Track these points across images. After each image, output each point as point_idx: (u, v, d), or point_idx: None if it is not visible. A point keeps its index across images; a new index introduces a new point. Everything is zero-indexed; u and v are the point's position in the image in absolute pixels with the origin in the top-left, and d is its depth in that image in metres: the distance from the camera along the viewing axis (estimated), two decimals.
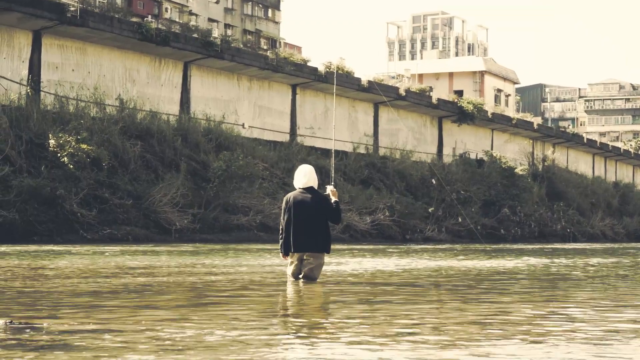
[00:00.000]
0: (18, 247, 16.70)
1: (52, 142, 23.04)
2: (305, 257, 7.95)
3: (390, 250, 20.20)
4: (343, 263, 12.66)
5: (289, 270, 8.12)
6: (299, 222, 7.88)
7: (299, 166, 8.40)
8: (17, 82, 24.97)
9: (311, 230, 7.88)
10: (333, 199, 8.04)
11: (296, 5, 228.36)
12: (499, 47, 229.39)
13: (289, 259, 8.07)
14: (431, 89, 45.49)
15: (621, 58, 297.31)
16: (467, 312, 5.87)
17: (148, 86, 29.25)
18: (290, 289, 7.60)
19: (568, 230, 43.47)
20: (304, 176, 8.04)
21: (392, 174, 35.48)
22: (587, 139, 57.63)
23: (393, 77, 50.69)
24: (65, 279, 8.45)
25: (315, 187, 8.07)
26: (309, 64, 34.48)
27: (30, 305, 5.96)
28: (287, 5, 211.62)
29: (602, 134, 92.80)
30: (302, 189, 8.02)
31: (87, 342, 4.13)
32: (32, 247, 16.99)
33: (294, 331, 4.80)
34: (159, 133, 26.85)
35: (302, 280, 7.97)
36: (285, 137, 33.85)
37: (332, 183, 8.19)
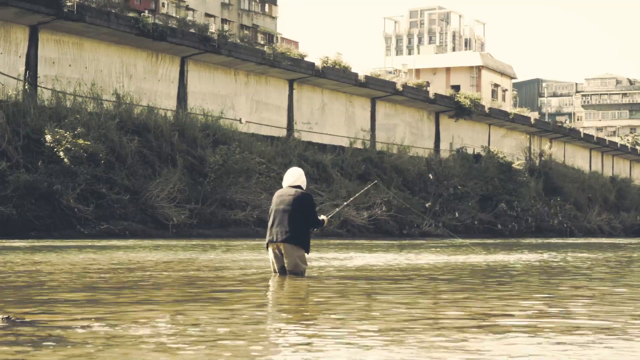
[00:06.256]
0: (15, 243, 16.65)
1: (48, 137, 23.01)
2: (282, 251, 8.00)
3: (386, 245, 20.23)
4: (340, 258, 12.65)
5: (272, 266, 8.23)
6: (276, 214, 8.00)
7: (289, 168, 8.58)
8: (14, 78, 24.92)
9: (286, 222, 7.91)
10: (323, 217, 8.25)
11: (293, 0, 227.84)
12: (496, 42, 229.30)
13: (270, 254, 8.16)
14: (428, 84, 45.49)
15: (618, 53, 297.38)
16: (465, 306, 5.86)
17: (145, 81, 29.20)
18: (282, 283, 7.60)
19: (565, 225, 43.54)
20: (292, 176, 8.21)
21: (389, 169, 35.49)
22: (584, 134, 57.65)
23: (390, 72, 50.66)
24: (61, 274, 8.44)
25: (304, 188, 8.20)
26: (306, 59, 34.44)
27: (27, 300, 5.96)
28: (284, 0, 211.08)
29: (599, 129, 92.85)
30: (289, 186, 8.17)
31: (83, 338, 4.12)
32: (29, 243, 16.94)
33: (288, 326, 4.80)
34: (156, 128, 26.81)
35: (289, 275, 8.02)
36: (283, 132, 33.84)
37: (325, 217, 8.40)
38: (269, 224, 8.07)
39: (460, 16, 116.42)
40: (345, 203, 10.20)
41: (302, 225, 7.95)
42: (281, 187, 8.45)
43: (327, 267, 10.05)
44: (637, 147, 65.52)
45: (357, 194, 11.23)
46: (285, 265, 8.03)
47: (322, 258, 12.30)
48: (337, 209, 9.36)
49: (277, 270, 8.13)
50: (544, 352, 3.85)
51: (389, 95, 38.78)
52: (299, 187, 8.14)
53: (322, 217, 8.28)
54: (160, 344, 3.98)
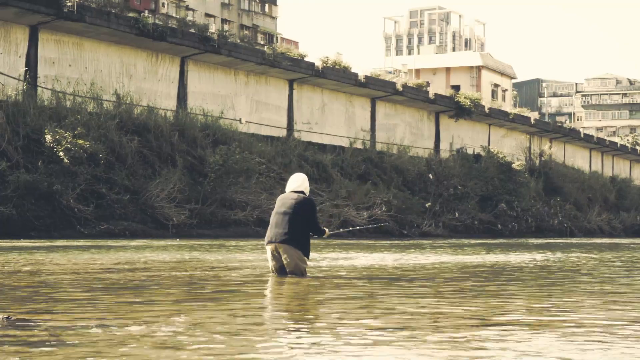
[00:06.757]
0: (15, 243, 16.62)
1: (48, 137, 23.00)
2: (280, 252, 8.02)
3: (386, 245, 20.20)
4: (339, 258, 12.62)
5: (270, 266, 8.25)
6: (277, 216, 8.04)
7: (290, 169, 8.64)
8: (14, 78, 24.90)
9: (286, 224, 7.95)
10: (325, 229, 8.36)
11: (293, 0, 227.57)
12: (496, 42, 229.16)
13: (269, 254, 8.18)
14: (428, 84, 45.44)
15: (618, 53, 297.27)
16: (464, 307, 5.86)
17: (145, 81, 29.18)
18: (282, 283, 7.60)
19: (565, 225, 43.50)
20: (296, 182, 8.22)
21: (389, 169, 35.45)
22: (584, 134, 57.60)
23: (390, 72, 50.63)
24: (62, 275, 8.43)
25: (307, 193, 8.22)
26: (306, 59, 34.40)
27: (28, 300, 5.96)
28: (284, 0, 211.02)
29: (599, 129, 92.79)
30: (292, 191, 8.18)
31: (84, 338, 4.12)
32: (30, 243, 16.91)
33: (290, 326, 4.80)
34: (156, 128, 26.76)
35: (289, 276, 8.04)
36: (283, 132, 33.81)
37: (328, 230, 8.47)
38: (271, 224, 8.10)
39: (460, 16, 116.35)
40: (350, 228, 10.24)
41: (303, 229, 7.97)
42: (283, 191, 8.46)
43: (327, 267, 10.01)
44: (637, 147, 65.46)
45: (365, 226, 11.22)
46: (285, 266, 8.03)
47: (322, 258, 12.28)
48: (341, 230, 9.41)
49: (274, 271, 8.14)
50: (545, 353, 3.85)
51: (389, 95, 38.75)
52: (302, 192, 8.16)
53: (324, 228, 8.33)
54: (160, 344, 3.98)
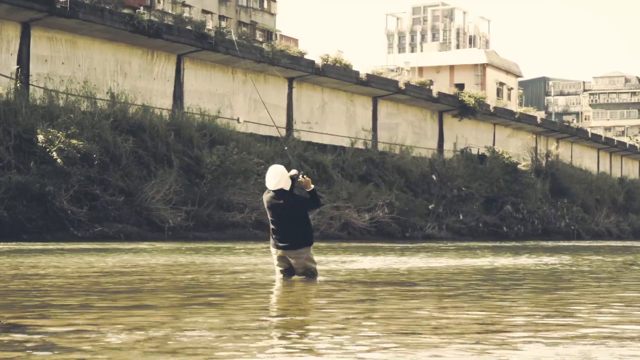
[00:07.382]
0: (7, 245, 16.48)
1: (40, 137, 22.57)
2: (289, 258, 8.02)
3: (388, 247, 19.70)
4: (339, 261, 12.46)
5: (277, 269, 8.22)
6: (275, 224, 8.01)
7: (270, 166, 8.35)
8: (5, 76, 24.44)
9: (287, 232, 7.95)
10: (308, 188, 8.02)
11: None
12: (501, 39, 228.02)
13: (275, 257, 8.16)
14: (431, 82, 44.88)
15: (626, 51, 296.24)
16: (467, 311, 5.76)
17: (140, 79, 28.66)
18: (284, 287, 7.57)
19: (572, 227, 42.85)
20: (275, 176, 7.99)
21: (391, 170, 34.87)
22: (592, 134, 57.00)
23: (392, 70, 50.02)
24: (55, 278, 8.36)
25: (287, 188, 8.01)
26: (305, 56, 33.88)
27: (19, 305, 5.92)
28: None
29: (607, 129, 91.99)
30: (273, 191, 7.99)
31: (77, 343, 4.08)
32: (21, 245, 16.78)
33: (289, 331, 4.77)
34: (152, 128, 26.35)
35: (292, 279, 8.02)
36: (282, 132, 33.24)
37: (301, 172, 8.15)
38: (271, 230, 8.09)
39: (464, 13, 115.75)
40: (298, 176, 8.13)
41: (301, 224, 7.95)
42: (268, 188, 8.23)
43: (329, 271, 9.88)
44: None
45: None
46: (295, 269, 8.06)
47: (324, 261, 12.05)
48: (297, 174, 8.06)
49: (282, 273, 8.15)
50: (548, 357, 3.76)
51: (391, 94, 38.21)
52: (281, 190, 7.98)
53: (309, 191, 7.90)
54: (155, 349, 3.93)
